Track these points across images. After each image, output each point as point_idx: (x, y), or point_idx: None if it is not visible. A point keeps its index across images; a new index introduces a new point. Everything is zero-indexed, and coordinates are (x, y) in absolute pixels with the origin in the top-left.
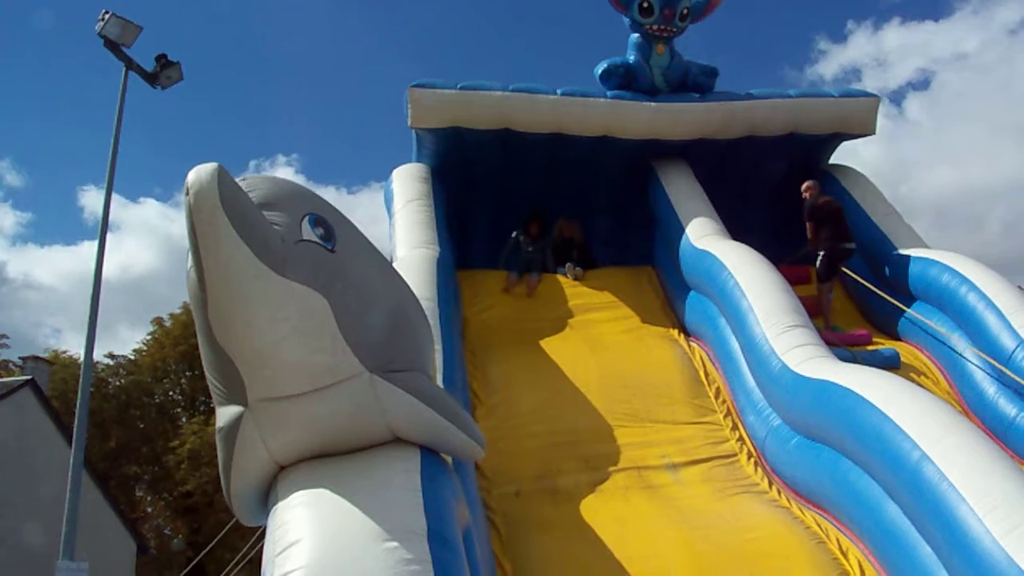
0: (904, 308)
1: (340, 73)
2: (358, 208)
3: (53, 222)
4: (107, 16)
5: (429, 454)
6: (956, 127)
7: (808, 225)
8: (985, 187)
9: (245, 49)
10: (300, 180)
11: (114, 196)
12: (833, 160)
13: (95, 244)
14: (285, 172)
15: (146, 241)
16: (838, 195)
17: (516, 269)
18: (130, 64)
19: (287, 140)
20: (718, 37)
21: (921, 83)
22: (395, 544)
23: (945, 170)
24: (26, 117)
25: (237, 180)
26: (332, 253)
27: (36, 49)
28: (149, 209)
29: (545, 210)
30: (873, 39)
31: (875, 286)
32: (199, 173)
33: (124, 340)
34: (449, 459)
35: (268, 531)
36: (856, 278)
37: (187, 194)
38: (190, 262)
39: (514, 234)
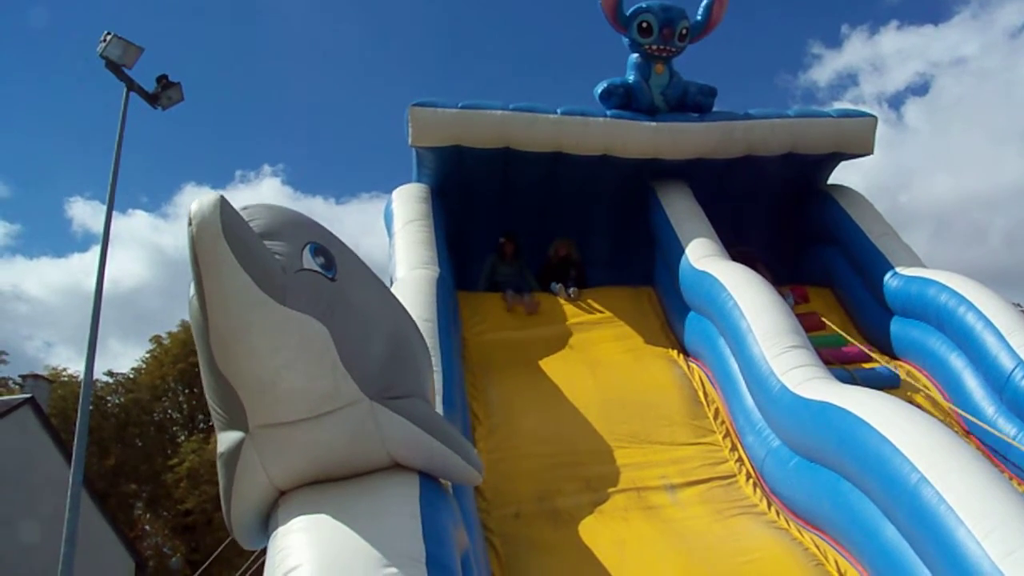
0: (880, 361)
1: (328, 84)
2: (346, 219)
3: (41, 234)
4: (109, 37)
5: (428, 480)
6: (956, 133)
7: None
8: (986, 195)
9: (231, 59)
10: (286, 191)
11: (103, 208)
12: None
13: (84, 256)
14: (271, 182)
15: (135, 253)
16: (836, 215)
17: (493, 290)
18: (131, 85)
19: (273, 150)
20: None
21: (920, 88)
22: (394, 570)
23: (945, 178)
24: (12, 128)
25: (239, 209)
26: (332, 282)
27: (22, 59)
28: (138, 220)
29: (517, 231)
30: (869, 43)
31: (873, 306)
32: (201, 204)
33: (115, 353)
34: (448, 484)
35: (268, 556)
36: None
37: (189, 224)
38: (192, 290)
39: (491, 257)
